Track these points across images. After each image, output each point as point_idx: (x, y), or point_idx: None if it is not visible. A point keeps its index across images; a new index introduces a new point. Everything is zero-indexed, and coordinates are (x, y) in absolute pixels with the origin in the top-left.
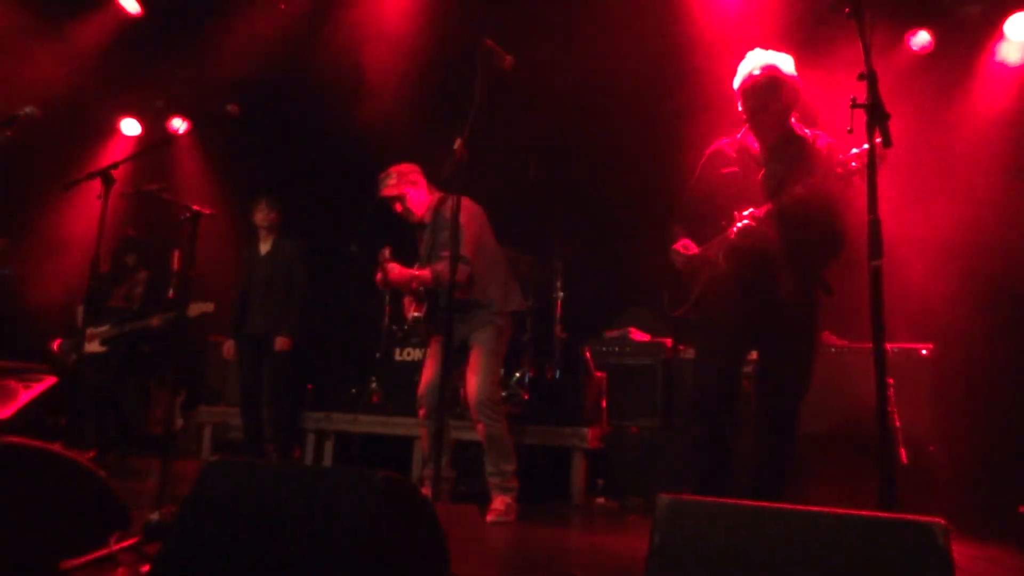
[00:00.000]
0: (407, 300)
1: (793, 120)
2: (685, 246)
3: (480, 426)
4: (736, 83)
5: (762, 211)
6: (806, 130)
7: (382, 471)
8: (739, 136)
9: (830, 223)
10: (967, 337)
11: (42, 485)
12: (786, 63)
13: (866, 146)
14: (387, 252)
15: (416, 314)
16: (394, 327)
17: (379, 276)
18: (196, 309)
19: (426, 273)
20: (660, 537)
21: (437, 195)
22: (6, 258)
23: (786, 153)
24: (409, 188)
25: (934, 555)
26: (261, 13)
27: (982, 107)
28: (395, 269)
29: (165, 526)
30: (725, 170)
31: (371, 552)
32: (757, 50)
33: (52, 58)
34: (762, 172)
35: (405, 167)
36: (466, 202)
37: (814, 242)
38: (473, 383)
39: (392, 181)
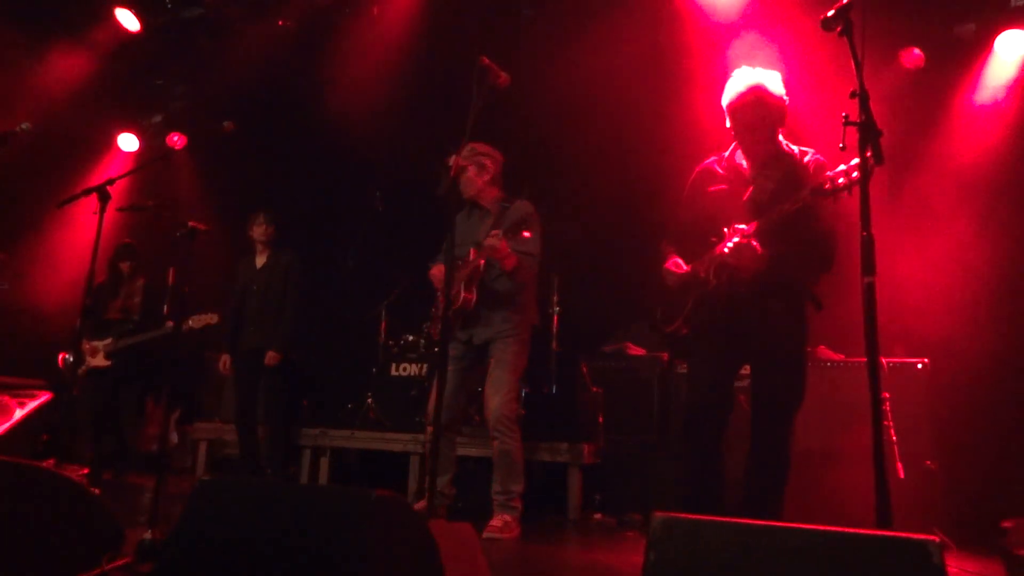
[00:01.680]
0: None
1: (781, 137)
2: (676, 264)
3: (495, 442)
4: (724, 101)
5: (751, 228)
6: (794, 147)
7: (377, 490)
8: (727, 154)
9: (818, 239)
10: (963, 351)
11: (34, 504)
12: (773, 80)
13: (854, 162)
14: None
15: (468, 296)
16: (390, 342)
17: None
18: (200, 321)
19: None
20: (655, 555)
21: (503, 193)
22: (3, 272)
23: (774, 170)
24: (472, 168)
25: (928, 573)
26: (258, 31)
27: (978, 124)
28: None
29: (158, 546)
30: (713, 188)
31: (365, 571)
32: (744, 67)
33: (51, 73)
34: (750, 189)
35: (485, 147)
36: (534, 209)
37: (803, 258)
38: (492, 399)
39: (464, 153)
